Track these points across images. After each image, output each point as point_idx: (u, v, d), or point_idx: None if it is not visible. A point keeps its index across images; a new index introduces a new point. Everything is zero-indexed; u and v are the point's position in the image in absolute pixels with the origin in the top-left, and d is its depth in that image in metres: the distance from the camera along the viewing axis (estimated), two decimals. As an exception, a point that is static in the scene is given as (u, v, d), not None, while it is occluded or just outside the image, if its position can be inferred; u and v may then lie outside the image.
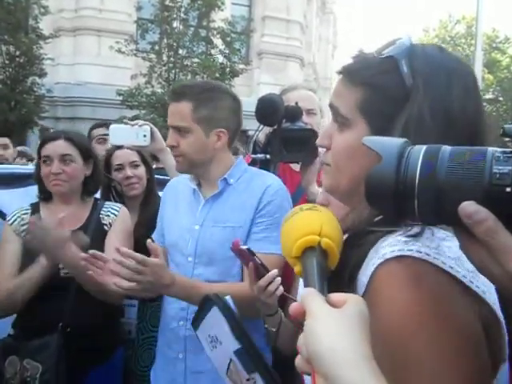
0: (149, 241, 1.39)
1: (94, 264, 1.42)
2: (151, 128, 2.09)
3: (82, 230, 1.80)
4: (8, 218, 1.79)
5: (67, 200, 1.85)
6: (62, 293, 1.70)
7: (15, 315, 1.78)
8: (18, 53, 12.19)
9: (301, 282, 1.15)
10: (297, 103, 1.76)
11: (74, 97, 14.63)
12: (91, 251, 1.43)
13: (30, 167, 3.07)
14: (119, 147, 2.23)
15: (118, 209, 1.92)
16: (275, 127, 1.75)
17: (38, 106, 12.51)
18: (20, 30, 12.01)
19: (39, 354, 1.60)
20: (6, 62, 12.33)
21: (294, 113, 1.74)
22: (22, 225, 1.77)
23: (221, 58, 12.80)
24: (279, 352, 1.45)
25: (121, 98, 12.53)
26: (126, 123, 2.08)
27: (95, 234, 1.82)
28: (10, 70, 12.32)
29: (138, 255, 1.32)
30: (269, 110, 1.70)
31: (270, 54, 17.13)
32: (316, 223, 0.65)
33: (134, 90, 12.27)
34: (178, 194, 1.70)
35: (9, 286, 1.67)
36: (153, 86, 12.37)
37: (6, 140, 3.64)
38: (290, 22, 17.88)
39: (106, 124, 3.11)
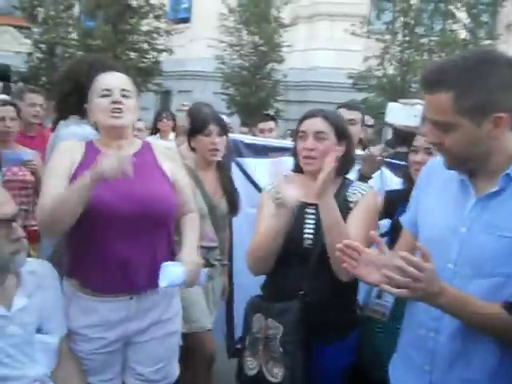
0: (419, 244, 1.22)
1: (350, 255, 1.31)
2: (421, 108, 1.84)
3: None
4: (266, 186, 1.94)
5: (316, 176, 1.76)
6: (304, 262, 1.72)
7: (264, 278, 1.87)
8: (261, 41, 13.35)
9: None
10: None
11: (305, 81, 15.33)
12: (345, 241, 1.31)
13: (278, 141, 3.33)
14: None
15: (366, 189, 1.85)
16: None
17: (274, 90, 13.52)
18: (264, 20, 13.10)
19: (281, 316, 1.69)
20: (251, 50, 13.66)
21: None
22: (278, 192, 1.81)
23: (463, 34, 11.55)
24: None
25: (351, 81, 12.56)
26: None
27: (341, 211, 1.75)
28: (254, 57, 13.60)
29: (415, 259, 1.16)
30: None
31: (523, 26, 14.71)
32: None
33: (364, 73, 12.10)
34: (441, 180, 1.43)
35: None
36: (384, 68, 11.98)
37: (271, 124, 4.00)
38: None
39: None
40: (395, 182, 2.53)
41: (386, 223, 2.16)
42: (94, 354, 1.67)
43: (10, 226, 1.35)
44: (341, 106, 2.94)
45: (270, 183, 1.91)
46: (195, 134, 2.44)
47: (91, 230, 1.61)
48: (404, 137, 3.44)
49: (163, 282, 1.60)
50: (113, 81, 1.73)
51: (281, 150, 2.84)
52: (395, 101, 2.49)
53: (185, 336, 2.21)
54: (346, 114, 2.84)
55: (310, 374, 1.68)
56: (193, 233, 1.85)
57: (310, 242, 1.76)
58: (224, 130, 2.46)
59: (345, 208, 1.76)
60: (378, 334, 1.92)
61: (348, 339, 1.82)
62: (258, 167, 2.76)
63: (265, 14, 13.08)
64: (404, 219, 1.58)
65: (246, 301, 1.88)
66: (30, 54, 13.07)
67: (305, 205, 1.76)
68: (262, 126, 4.01)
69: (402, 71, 11.90)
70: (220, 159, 2.49)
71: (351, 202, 1.81)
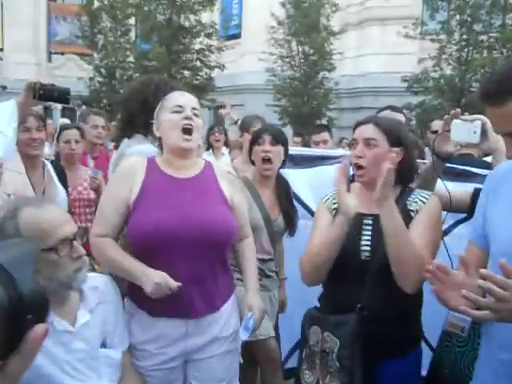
0: (503, 261, 1.09)
1: (438, 277, 1.22)
2: (483, 124, 1.71)
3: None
4: (323, 197, 1.89)
5: (370, 185, 1.68)
6: (361, 275, 1.65)
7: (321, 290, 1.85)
8: (311, 51, 13.34)
9: None
10: None
11: (357, 87, 15.11)
12: (436, 262, 1.23)
13: (319, 150, 3.22)
14: None
15: (427, 196, 1.74)
16: None
17: (326, 99, 13.42)
18: (314, 30, 13.09)
19: (338, 329, 1.63)
20: (301, 60, 13.67)
21: None
22: (334, 203, 1.81)
23: (527, 28, 10.91)
24: None
25: (405, 84, 12.21)
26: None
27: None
28: (305, 67, 13.60)
29: (500, 278, 1.06)
30: None
31: None
32: None
33: (419, 75, 11.73)
34: (510, 183, 1.33)
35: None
36: (441, 69, 11.55)
37: (325, 135, 3.95)
38: None
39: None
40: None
41: None
42: (154, 371, 1.67)
43: (72, 244, 1.40)
44: (385, 108, 2.78)
45: (327, 193, 1.86)
46: (252, 146, 2.44)
47: (150, 254, 1.62)
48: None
49: (244, 335, 1.70)
50: (184, 99, 1.75)
51: (317, 159, 2.76)
52: (453, 102, 2.37)
53: (249, 344, 2.18)
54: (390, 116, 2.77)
55: None
56: (253, 270, 1.87)
57: (367, 254, 1.68)
58: (278, 139, 2.41)
59: (405, 217, 1.65)
60: (458, 349, 1.78)
61: (409, 357, 1.72)
62: (298, 178, 2.68)
63: (314, 23, 13.06)
64: (470, 231, 1.47)
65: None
66: (91, 79, 13.84)
67: (361, 216, 1.69)
68: (316, 138, 3.96)
69: (460, 71, 11.42)
70: (271, 174, 2.43)
71: (412, 210, 1.70)
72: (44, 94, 2.08)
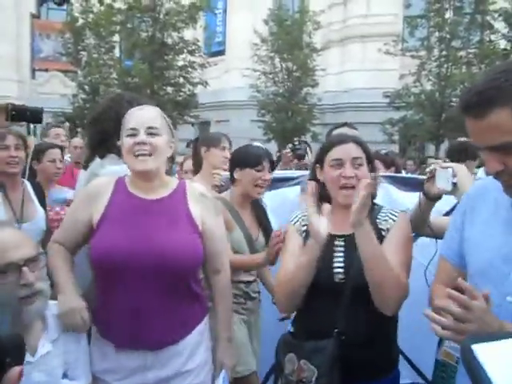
0: (461, 280, 1.08)
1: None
2: (454, 171, 1.81)
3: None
4: (292, 218, 1.81)
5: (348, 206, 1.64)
6: (336, 298, 1.58)
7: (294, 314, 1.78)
8: (294, 67, 13.48)
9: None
10: None
11: (340, 103, 15.28)
12: (439, 303, 1.11)
13: (276, 172, 3.12)
14: None
15: (396, 214, 1.70)
16: None
17: (310, 114, 13.53)
18: (296, 47, 13.26)
19: (315, 356, 1.55)
20: (285, 76, 13.81)
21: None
22: (303, 225, 1.75)
23: (503, 44, 11.19)
24: None
25: (387, 100, 12.39)
26: None
27: None
28: (288, 83, 13.72)
29: (463, 298, 1.04)
30: None
31: None
32: None
33: (401, 91, 11.92)
34: (489, 204, 1.30)
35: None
36: (422, 85, 11.76)
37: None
38: None
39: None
40: (401, 197, 2.46)
41: None
42: None
43: (20, 270, 1.33)
44: (342, 124, 2.81)
45: (294, 215, 1.81)
46: (244, 167, 2.32)
47: (106, 276, 1.56)
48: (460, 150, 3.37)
49: None
50: (138, 119, 1.63)
51: (276, 181, 2.65)
52: (432, 117, 2.41)
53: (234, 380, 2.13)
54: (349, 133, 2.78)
55: None
56: (226, 316, 1.77)
57: (340, 276, 1.61)
58: (272, 167, 2.39)
59: (377, 236, 1.58)
60: (452, 381, 1.71)
61: (386, 380, 1.64)
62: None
63: (296, 40, 13.23)
64: (444, 248, 1.43)
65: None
66: (74, 96, 13.76)
67: (332, 237, 1.61)
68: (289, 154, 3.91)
69: (440, 86, 11.63)
70: (259, 197, 2.41)
71: (382, 229, 1.65)
72: (16, 114, 2.05)
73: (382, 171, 2.95)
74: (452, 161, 2.53)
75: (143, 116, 1.64)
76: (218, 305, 1.76)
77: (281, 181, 2.70)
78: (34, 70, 20.64)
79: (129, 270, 1.52)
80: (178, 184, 1.72)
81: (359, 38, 15.45)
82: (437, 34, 11.85)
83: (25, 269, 1.34)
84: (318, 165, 1.74)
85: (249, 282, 2.36)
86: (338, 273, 1.61)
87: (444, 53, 11.73)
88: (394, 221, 1.67)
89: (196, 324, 1.68)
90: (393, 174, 2.60)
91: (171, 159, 1.76)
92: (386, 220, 1.67)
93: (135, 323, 1.54)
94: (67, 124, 13.05)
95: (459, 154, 3.35)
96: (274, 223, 2.60)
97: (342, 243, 1.65)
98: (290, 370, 1.60)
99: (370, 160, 1.70)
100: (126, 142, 1.61)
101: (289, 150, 3.58)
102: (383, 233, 1.65)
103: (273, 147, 11.23)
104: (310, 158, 3.87)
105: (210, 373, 1.71)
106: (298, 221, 1.78)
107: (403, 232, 1.66)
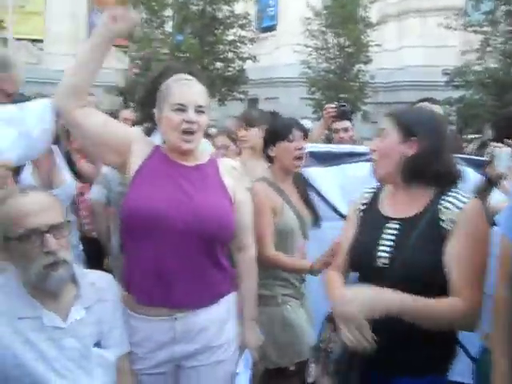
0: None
1: None
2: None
3: (414, 219, 1.48)
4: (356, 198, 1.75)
5: (388, 182, 1.59)
6: (376, 282, 1.43)
7: None
8: (347, 43, 13.00)
9: None
10: None
11: (395, 81, 14.65)
12: None
13: (345, 146, 2.96)
14: None
15: (465, 200, 1.44)
16: None
17: (362, 93, 13.07)
18: (350, 21, 12.74)
19: None
20: (337, 52, 13.35)
21: None
22: (362, 204, 1.68)
23: None
24: None
25: (446, 78, 11.73)
26: None
27: (426, 229, 1.46)
28: (340, 60, 13.28)
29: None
30: None
31: None
32: None
33: (462, 69, 11.23)
34: None
35: None
36: (485, 62, 11.01)
37: (346, 123, 3.59)
38: None
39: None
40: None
41: None
42: (144, 375, 1.59)
43: (43, 237, 1.31)
44: (423, 100, 2.73)
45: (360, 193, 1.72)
46: (276, 141, 2.23)
47: (138, 234, 1.56)
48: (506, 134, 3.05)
49: (244, 381, 1.66)
50: (188, 95, 1.60)
51: (345, 156, 2.58)
52: (495, 96, 2.21)
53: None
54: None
55: None
56: (251, 295, 1.77)
57: (383, 260, 1.50)
58: (306, 135, 2.27)
59: (435, 229, 1.43)
60: None
61: (427, 379, 1.48)
62: (323, 176, 2.51)
63: (351, 14, 12.71)
64: (502, 223, 1.31)
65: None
66: (127, 70, 13.98)
67: (387, 219, 1.54)
68: (335, 125, 3.45)
69: (505, 64, 10.84)
70: (299, 169, 2.29)
71: (443, 220, 1.43)
72: None
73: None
74: (499, 135, 2.25)
75: (193, 92, 1.62)
76: (243, 282, 1.76)
77: (350, 155, 2.56)
78: (89, 45, 21.19)
79: (160, 230, 1.53)
80: (210, 158, 1.75)
81: (418, 11, 14.65)
82: (503, 7, 10.98)
83: (48, 235, 1.31)
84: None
85: None
86: (381, 257, 1.49)
87: (510, 28, 10.89)
88: (460, 209, 1.42)
89: (223, 293, 1.67)
90: (467, 156, 2.36)
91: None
92: (447, 208, 1.44)
93: (165, 282, 1.55)
94: (121, 98, 13.33)
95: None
96: (341, 199, 2.50)
97: (397, 226, 1.51)
98: (323, 337, 1.58)
99: (409, 133, 1.49)
100: (172, 117, 1.59)
101: (332, 105, 3.25)
102: (443, 225, 1.43)
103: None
104: (352, 132, 3.56)
105: (237, 351, 1.71)
106: (358, 198, 1.71)
107: (473, 227, 1.41)
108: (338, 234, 2.39)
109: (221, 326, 1.65)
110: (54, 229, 1.33)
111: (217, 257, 1.64)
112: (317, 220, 2.33)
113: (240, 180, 1.75)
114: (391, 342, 1.38)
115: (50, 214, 1.34)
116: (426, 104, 2.63)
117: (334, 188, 2.53)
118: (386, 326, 1.36)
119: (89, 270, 1.54)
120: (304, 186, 2.36)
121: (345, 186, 2.50)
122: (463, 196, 1.46)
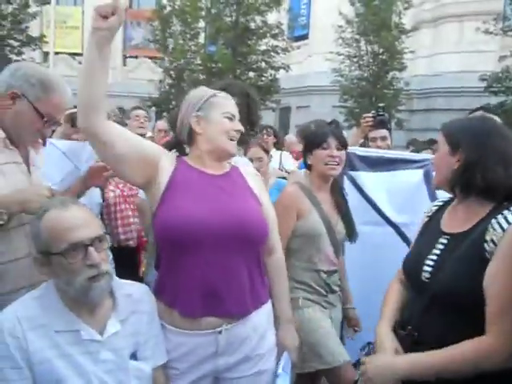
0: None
1: None
2: None
3: (463, 236, 1.43)
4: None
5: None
6: (419, 294, 1.50)
7: None
8: (381, 50, 12.84)
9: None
10: None
11: (430, 88, 14.35)
12: None
13: (395, 152, 2.94)
14: None
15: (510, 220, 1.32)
16: None
17: (396, 100, 12.86)
18: (384, 28, 12.59)
19: None
20: (370, 60, 13.21)
21: None
22: (427, 216, 1.68)
23: None
24: None
25: (483, 84, 11.40)
26: None
27: (471, 249, 1.38)
28: (373, 67, 13.12)
29: None
30: None
31: None
32: None
33: (500, 74, 10.89)
34: None
35: None
36: (525, 67, 10.66)
37: (383, 132, 3.54)
38: None
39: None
40: None
41: None
42: None
43: (87, 250, 1.32)
44: (476, 109, 2.68)
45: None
46: (312, 149, 2.26)
47: (182, 247, 1.54)
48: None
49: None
50: (234, 108, 1.73)
51: (397, 162, 2.57)
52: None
53: (325, 372, 2.14)
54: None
55: None
56: (285, 296, 1.80)
57: (427, 275, 1.49)
58: (343, 144, 2.26)
59: (477, 249, 1.35)
60: None
61: None
62: (372, 181, 2.51)
63: (385, 21, 12.56)
64: None
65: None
66: (161, 81, 14.28)
67: (441, 233, 1.52)
68: (373, 134, 3.38)
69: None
70: (337, 175, 2.28)
71: (486, 241, 1.34)
72: None
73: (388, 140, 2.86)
74: None
75: (235, 106, 1.74)
76: (275, 285, 1.78)
77: (402, 162, 2.58)
78: (125, 57, 21.78)
79: (205, 235, 1.52)
80: (231, 165, 1.78)
81: (455, 17, 14.33)
82: (545, 10, 10.63)
83: (91, 249, 1.33)
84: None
85: (329, 272, 2.23)
86: (426, 271, 1.49)
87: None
88: (505, 230, 1.31)
89: (264, 301, 1.68)
90: None
91: None
92: (494, 229, 1.34)
93: (213, 293, 1.54)
94: (154, 108, 13.62)
95: None
96: (389, 205, 2.51)
97: (445, 241, 1.49)
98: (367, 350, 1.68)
99: (456, 145, 1.47)
100: (224, 122, 1.67)
101: (370, 114, 3.20)
102: (486, 246, 1.34)
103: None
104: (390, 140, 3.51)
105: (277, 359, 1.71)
106: (427, 210, 1.70)
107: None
108: (383, 238, 2.36)
109: (262, 334, 1.64)
110: (95, 241, 1.35)
111: (258, 263, 1.67)
112: (352, 234, 2.30)
113: (262, 185, 1.82)
114: (430, 347, 1.38)
115: (91, 227, 1.36)
116: (480, 113, 2.58)
117: (382, 193, 2.53)
118: (418, 343, 1.44)
119: (124, 281, 1.55)
120: (341, 197, 2.34)
121: (393, 192, 2.51)
122: (510, 216, 1.34)
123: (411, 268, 1.56)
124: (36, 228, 1.35)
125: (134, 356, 1.46)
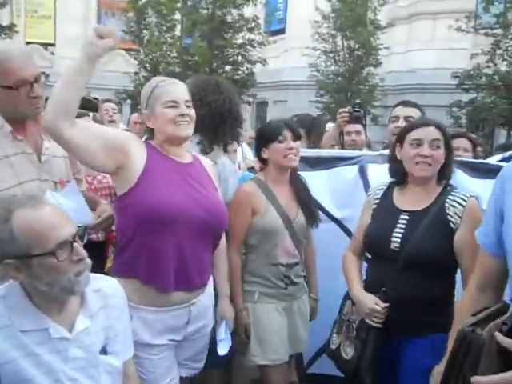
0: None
1: None
2: None
3: (423, 212, 1.88)
4: (368, 193, 2.14)
5: (423, 183, 1.91)
6: (390, 262, 1.86)
7: None
8: (357, 46, 12.96)
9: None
10: None
11: (404, 84, 14.57)
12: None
13: (333, 150, 3.02)
14: None
15: (465, 198, 1.82)
16: None
17: (371, 96, 13.01)
18: (360, 24, 12.70)
19: None
20: (346, 55, 13.32)
21: None
22: (375, 198, 2.05)
23: None
24: None
25: (455, 81, 11.65)
26: None
27: (434, 222, 1.83)
28: (349, 63, 13.24)
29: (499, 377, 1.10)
30: None
31: None
32: None
33: (472, 71, 11.14)
34: None
35: None
36: (495, 65, 10.91)
37: (358, 126, 3.56)
38: None
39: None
40: (470, 183, 2.25)
41: None
42: (160, 359, 1.80)
43: (72, 246, 1.30)
44: (398, 104, 2.95)
45: (373, 188, 2.14)
46: (268, 143, 2.24)
47: (160, 226, 1.69)
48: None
49: (222, 351, 2.01)
50: (177, 93, 1.81)
51: (334, 160, 2.62)
52: (507, 100, 2.20)
53: (261, 367, 2.25)
54: (403, 112, 2.84)
55: (382, 363, 1.85)
56: (224, 275, 2.08)
57: (396, 245, 1.87)
58: (297, 135, 2.26)
59: (441, 220, 1.82)
60: None
61: (428, 339, 1.80)
62: (315, 181, 2.50)
63: (360, 17, 12.67)
64: (480, 234, 1.42)
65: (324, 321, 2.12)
66: (136, 74, 14.06)
67: (399, 211, 1.92)
68: (348, 128, 3.38)
69: (516, 67, 10.75)
70: (296, 165, 2.28)
71: (449, 214, 1.82)
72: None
73: (470, 152, 2.87)
74: None
75: (181, 91, 1.83)
76: (217, 265, 2.04)
77: (339, 160, 2.64)
78: (99, 49, 21.37)
79: (181, 222, 1.72)
80: (192, 155, 1.94)
81: (428, 14, 14.56)
82: (516, 10, 10.89)
83: (76, 244, 1.31)
84: (398, 144, 1.96)
85: (289, 265, 2.24)
86: (395, 242, 1.88)
87: (523, 30, 10.79)
88: (463, 206, 1.81)
89: (209, 276, 1.96)
90: (462, 159, 2.39)
91: None
92: (453, 205, 1.83)
93: (184, 269, 1.76)
94: (129, 101, 13.40)
95: None
96: (331, 202, 2.58)
97: (407, 217, 1.90)
98: (345, 311, 2.02)
99: (447, 144, 1.89)
100: (166, 112, 1.78)
101: (346, 110, 3.22)
102: (449, 218, 1.81)
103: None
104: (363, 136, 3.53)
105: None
106: (371, 194, 2.10)
107: (476, 223, 1.58)
108: (328, 235, 2.45)
109: (212, 303, 1.98)
110: (75, 237, 1.32)
111: (215, 246, 1.95)
112: (313, 220, 2.33)
113: (217, 176, 2.01)
114: (400, 311, 1.80)
115: (69, 224, 1.33)
116: (399, 108, 2.89)
117: (323, 191, 2.57)
118: (395, 300, 1.81)
119: (93, 275, 1.50)
120: (300, 187, 2.35)
121: (334, 189, 2.58)
122: (464, 195, 1.85)
123: (379, 240, 1.92)
124: (6, 232, 1.25)
125: (103, 351, 1.44)
